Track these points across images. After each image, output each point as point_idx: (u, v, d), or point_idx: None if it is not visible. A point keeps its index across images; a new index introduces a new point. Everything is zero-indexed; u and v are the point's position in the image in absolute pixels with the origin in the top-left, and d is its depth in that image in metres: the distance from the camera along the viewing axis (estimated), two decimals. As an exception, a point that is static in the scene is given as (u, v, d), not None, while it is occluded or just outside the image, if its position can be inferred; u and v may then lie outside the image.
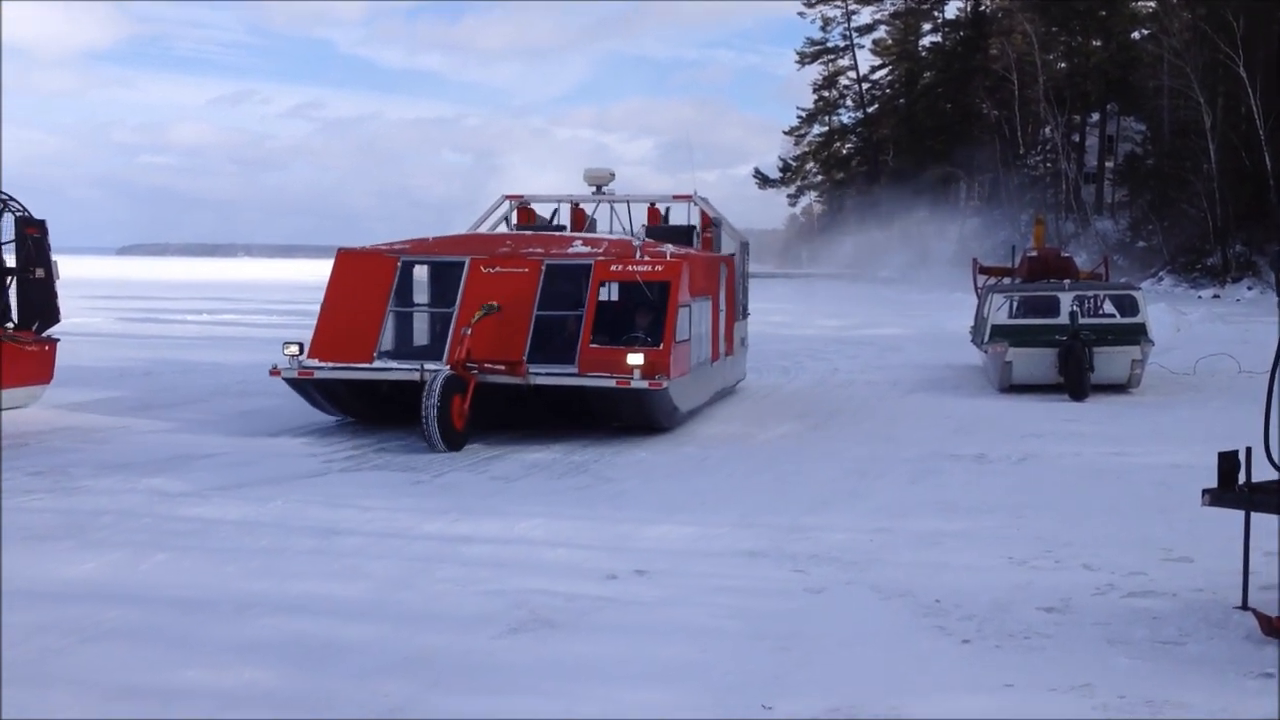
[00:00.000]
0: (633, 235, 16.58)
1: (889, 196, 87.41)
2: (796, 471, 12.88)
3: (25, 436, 14.55)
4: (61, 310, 18.08)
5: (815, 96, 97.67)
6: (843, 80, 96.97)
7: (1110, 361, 19.88)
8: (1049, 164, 78.06)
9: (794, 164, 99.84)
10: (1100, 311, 21.60)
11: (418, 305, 16.47)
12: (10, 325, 17.18)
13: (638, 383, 13.95)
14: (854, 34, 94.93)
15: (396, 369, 14.60)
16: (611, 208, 20.62)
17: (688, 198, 20.30)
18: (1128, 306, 20.91)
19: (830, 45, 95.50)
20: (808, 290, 67.52)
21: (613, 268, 15.18)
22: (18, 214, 17.35)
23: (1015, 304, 21.25)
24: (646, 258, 15.26)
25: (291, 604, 7.78)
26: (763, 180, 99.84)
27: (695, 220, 20.03)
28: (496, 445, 14.07)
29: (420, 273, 16.29)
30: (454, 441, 13.63)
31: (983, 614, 7.68)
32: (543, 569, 8.74)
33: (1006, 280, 24.91)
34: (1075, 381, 19.43)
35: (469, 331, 14.18)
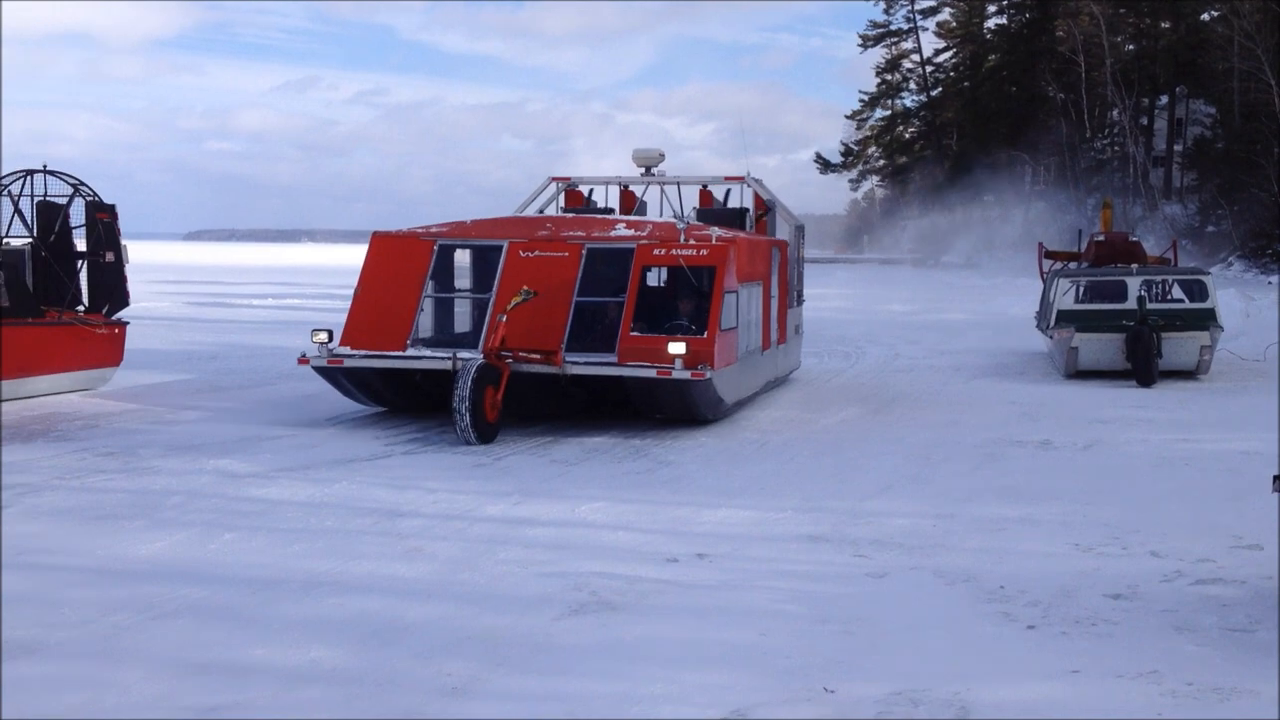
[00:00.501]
0: (679, 218, 15.87)
1: (952, 180, 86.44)
2: (858, 456, 12.81)
3: (96, 418, 14.80)
4: (130, 294, 18.39)
5: (878, 80, 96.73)
6: (906, 63, 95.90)
7: (1179, 347, 19.60)
8: (1116, 147, 76.80)
9: (856, 148, 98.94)
10: (1168, 296, 21.26)
11: (455, 291, 15.94)
12: (81, 308, 17.50)
13: (679, 373, 13.32)
14: (918, 16, 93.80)
15: (429, 358, 14.05)
16: (661, 190, 19.87)
17: (740, 179, 19.58)
18: (1196, 291, 20.58)
19: (894, 28, 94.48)
20: (869, 275, 67.05)
21: (655, 252, 14.50)
22: (88, 199, 17.67)
23: (1082, 288, 20.97)
24: (692, 241, 14.59)
25: (356, 584, 7.87)
26: (824, 165, 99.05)
27: (749, 203, 19.49)
28: (555, 430, 14.11)
29: (458, 257, 15.78)
30: (486, 433, 13.17)
31: (1048, 600, 7.62)
32: (604, 552, 8.77)
33: (1073, 265, 24.59)
34: (1143, 367, 19.16)
35: (504, 318, 13.61)
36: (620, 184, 19.84)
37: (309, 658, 6.46)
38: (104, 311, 17.78)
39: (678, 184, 19.88)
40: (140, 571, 8.07)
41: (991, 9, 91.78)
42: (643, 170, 19.69)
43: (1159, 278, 21.60)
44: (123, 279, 17.99)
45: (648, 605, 7.50)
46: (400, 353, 14.29)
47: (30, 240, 17.34)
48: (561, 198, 19.66)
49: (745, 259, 15.48)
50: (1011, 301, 36.20)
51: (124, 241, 17.99)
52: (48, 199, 17.56)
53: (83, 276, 17.78)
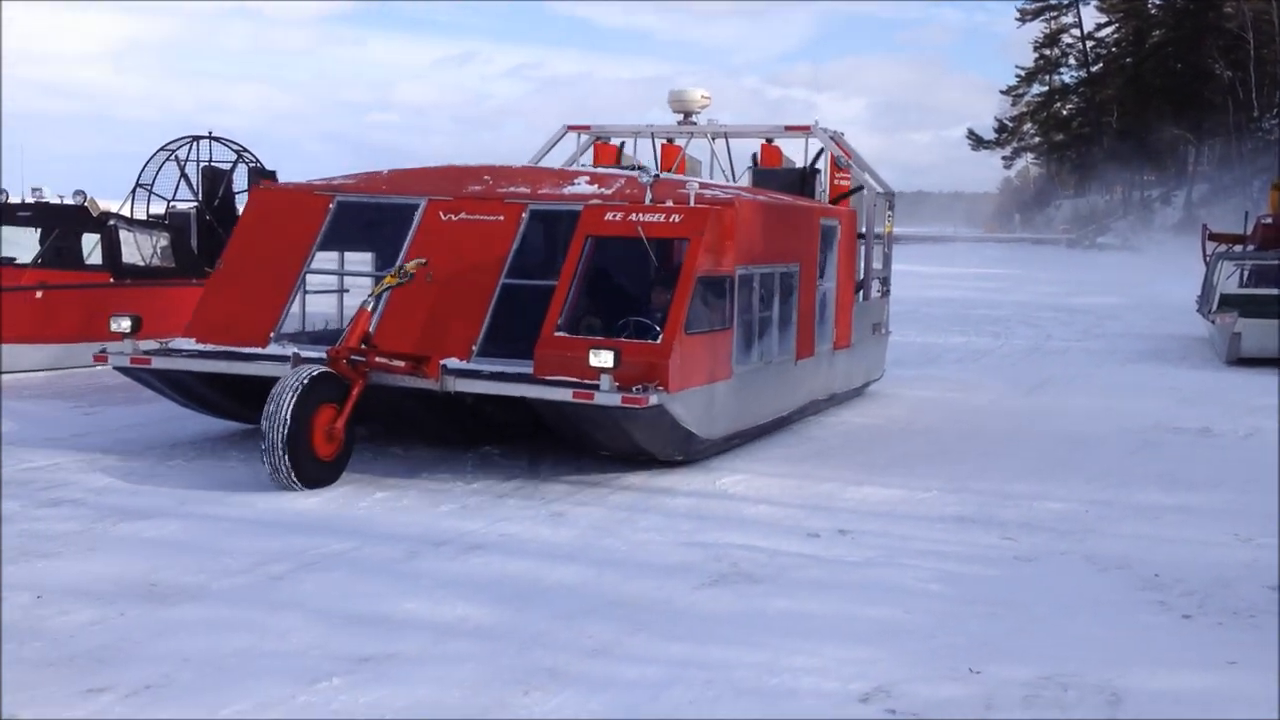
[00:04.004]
0: (640, 170, 11.63)
1: (1111, 159, 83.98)
2: (1007, 438, 12.56)
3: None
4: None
5: (1036, 55, 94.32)
6: (1065, 38, 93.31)
7: (1348, 335, 18.74)
8: (1287, 127, 73.68)
9: (1010, 125, 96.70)
10: (1340, 282, 20.33)
11: (350, 267, 12.48)
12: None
13: (606, 395, 9.34)
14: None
15: (264, 358, 10.57)
16: (710, 143, 15.70)
17: (805, 129, 15.33)
18: (1370, 278, 19.66)
19: (1054, 2, 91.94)
20: (1021, 255, 65.58)
21: (608, 216, 10.44)
22: (251, 165, 18.23)
23: (1247, 272, 20.23)
24: (668, 203, 10.54)
25: (501, 544, 8.01)
26: (977, 141, 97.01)
27: (823, 161, 15.38)
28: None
29: (365, 219, 11.93)
30: (313, 474, 9.31)
31: (1205, 590, 7.39)
32: (744, 524, 8.76)
33: (1238, 248, 23.71)
34: (1310, 355, 18.38)
35: (371, 305, 9.94)
36: (653, 134, 15.92)
37: (456, 613, 6.60)
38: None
39: (725, 135, 15.82)
40: (297, 524, 8.33)
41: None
42: (681, 118, 15.74)
43: (1330, 263, 20.69)
44: (282, 243, 18.51)
45: (789, 579, 7.47)
46: (257, 350, 10.82)
47: (195, 204, 17.98)
48: (590, 154, 15.93)
49: (757, 231, 11.41)
50: (1171, 285, 34.98)
51: (284, 207, 18.49)
52: (212, 164, 18.18)
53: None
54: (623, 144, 16.03)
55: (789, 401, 12.51)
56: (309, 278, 11.59)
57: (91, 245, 16.21)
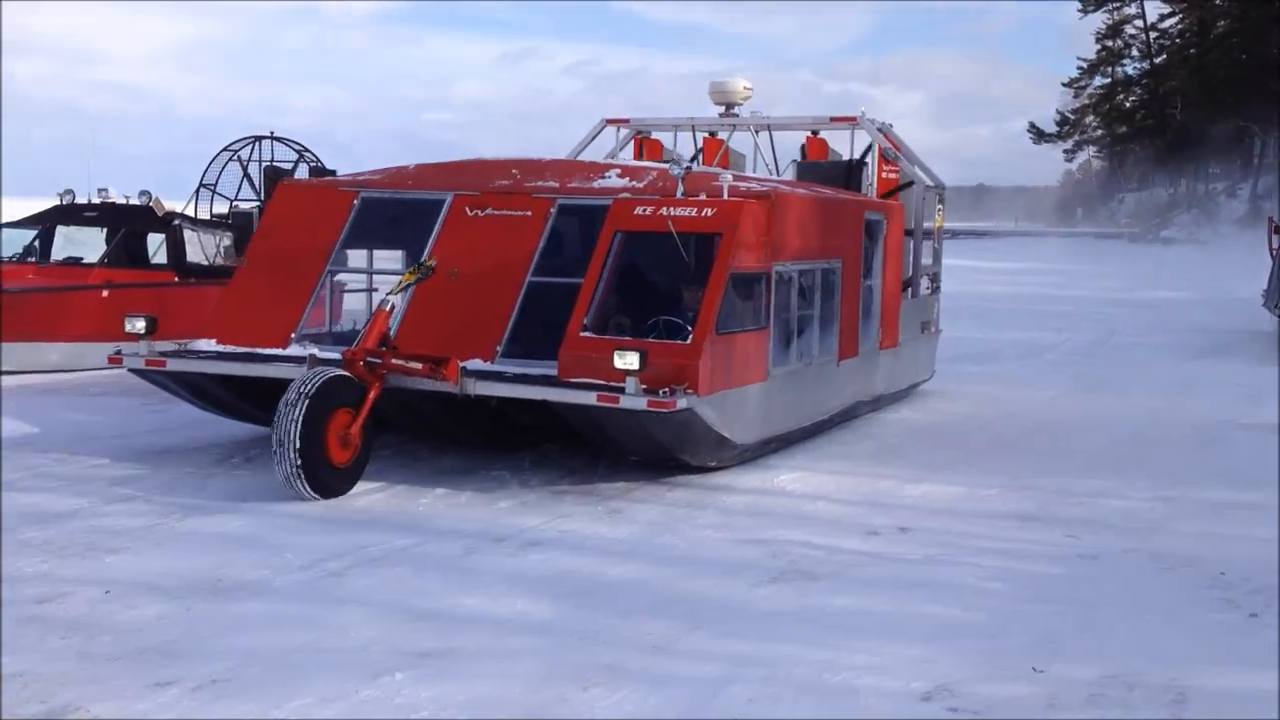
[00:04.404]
0: (676, 162, 11.17)
1: (1175, 152, 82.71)
2: (1070, 435, 12.43)
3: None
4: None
5: (1098, 46, 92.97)
6: (1128, 29, 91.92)
7: None
8: (1357, 118, 72.15)
9: (1072, 117, 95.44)
10: None
11: (377, 265, 12.07)
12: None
13: (631, 399, 8.90)
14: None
15: (279, 359, 10.18)
16: (754, 135, 15.26)
17: (851, 120, 14.70)
18: None
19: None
20: (1083, 249, 64.77)
21: (638, 210, 10.05)
22: (312, 164, 18.43)
23: (1316, 266, 19.87)
24: (702, 196, 10.19)
25: (560, 541, 8.04)
26: (1038, 134, 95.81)
27: (871, 153, 14.56)
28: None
29: (390, 214, 11.51)
30: (328, 481, 8.95)
31: (1273, 588, 7.28)
32: (803, 521, 8.73)
33: (1306, 241, 23.32)
34: (1382, 350, 18.03)
35: (390, 305, 9.56)
36: (694, 127, 15.47)
37: (516, 609, 6.63)
38: (324, 272, 18.52)
39: (769, 127, 15.31)
40: (356, 521, 8.40)
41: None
42: (722, 109, 15.18)
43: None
44: (342, 241, 18.70)
45: (849, 576, 7.44)
46: (265, 350, 10.42)
47: (258, 204, 18.20)
48: (630, 148, 15.53)
49: (796, 226, 10.92)
50: (1237, 280, 34.42)
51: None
52: (274, 164, 18.40)
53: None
54: (677, 142, 15.54)
55: (831, 404, 12.05)
56: (337, 276, 11.45)
57: (157, 245, 16.47)
